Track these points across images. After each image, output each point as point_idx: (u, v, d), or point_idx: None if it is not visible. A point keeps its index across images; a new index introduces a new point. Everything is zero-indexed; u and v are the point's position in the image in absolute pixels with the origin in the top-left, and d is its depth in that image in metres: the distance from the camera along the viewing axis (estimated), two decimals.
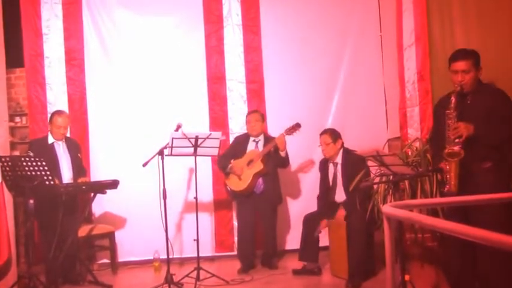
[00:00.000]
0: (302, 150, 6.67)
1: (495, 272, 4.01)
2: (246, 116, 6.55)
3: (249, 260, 6.41)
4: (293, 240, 6.72)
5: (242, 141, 6.55)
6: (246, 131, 6.69)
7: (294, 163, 6.82)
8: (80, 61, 6.93)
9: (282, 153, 6.20)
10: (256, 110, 6.63)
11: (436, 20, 5.79)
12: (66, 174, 5.95)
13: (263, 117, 6.52)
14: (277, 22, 7.16)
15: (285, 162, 6.36)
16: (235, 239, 6.90)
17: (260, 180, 6.30)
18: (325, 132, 6.01)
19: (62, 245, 5.43)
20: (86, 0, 6.96)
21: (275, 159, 6.28)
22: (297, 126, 6.13)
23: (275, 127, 6.63)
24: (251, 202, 6.35)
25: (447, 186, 4.07)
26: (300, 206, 6.90)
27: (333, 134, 5.94)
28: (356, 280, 5.41)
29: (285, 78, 7.13)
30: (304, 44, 7.12)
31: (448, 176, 4.06)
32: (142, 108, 7.00)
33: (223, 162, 6.44)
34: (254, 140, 6.46)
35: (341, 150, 5.93)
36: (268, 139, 6.41)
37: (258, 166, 6.22)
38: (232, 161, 6.40)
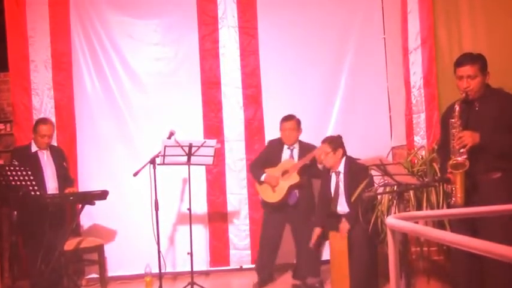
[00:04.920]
0: None
1: (504, 287, 4.02)
2: (280, 123, 6.42)
3: (268, 273, 6.38)
4: None
5: (276, 147, 6.45)
6: (242, 139, 6.70)
7: None
8: (68, 65, 6.92)
9: (320, 166, 6.14)
10: (292, 116, 6.41)
11: (442, 21, 5.80)
12: (51, 184, 5.94)
13: (299, 124, 6.38)
14: (276, 24, 7.16)
15: (321, 174, 6.26)
16: (232, 252, 6.90)
17: (295, 191, 6.24)
18: (325, 141, 5.96)
19: (48, 259, 5.40)
20: (73, 1, 6.96)
21: (311, 170, 6.25)
22: (338, 138, 6.05)
23: (273, 135, 6.63)
24: (282, 214, 6.29)
25: (453, 199, 4.08)
26: None
27: (333, 143, 5.88)
28: None
29: (283, 84, 7.13)
30: (304, 47, 7.12)
31: (453, 188, 4.07)
32: (133, 115, 7.00)
33: (257, 171, 6.40)
34: (289, 148, 6.39)
35: (343, 159, 5.91)
36: (304, 147, 6.32)
37: (294, 178, 6.15)
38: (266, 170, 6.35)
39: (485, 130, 4.00)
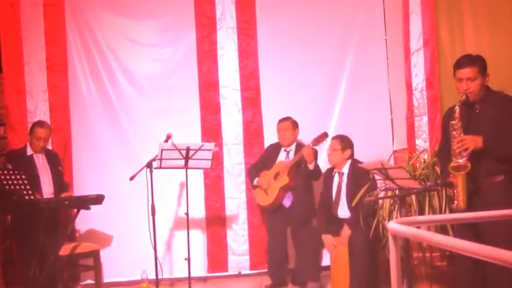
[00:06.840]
0: None
1: None
2: (277, 124, 6.49)
3: (280, 277, 6.34)
4: None
5: (273, 150, 6.52)
6: (241, 143, 6.69)
7: None
8: (63, 67, 6.92)
9: (310, 166, 6.10)
10: (288, 117, 6.47)
11: (445, 22, 5.79)
12: (47, 189, 5.93)
13: (295, 125, 6.43)
14: (275, 25, 7.14)
15: (315, 174, 6.24)
16: (230, 257, 6.89)
17: (289, 193, 6.24)
18: (337, 137, 5.99)
19: (42, 265, 5.39)
20: (69, 1, 6.96)
21: (304, 171, 6.21)
22: (324, 135, 6.06)
23: (272, 138, 6.63)
24: (281, 216, 6.29)
25: (455, 203, 4.07)
26: None
27: (344, 142, 5.90)
28: None
29: (282, 86, 7.10)
30: (304, 49, 7.10)
31: (455, 192, 4.06)
32: (130, 117, 7.00)
33: (253, 174, 6.47)
34: (285, 150, 6.42)
35: (349, 161, 5.89)
36: (299, 148, 6.30)
37: (284, 180, 6.16)
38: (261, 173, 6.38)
39: (486, 133, 4.00)
